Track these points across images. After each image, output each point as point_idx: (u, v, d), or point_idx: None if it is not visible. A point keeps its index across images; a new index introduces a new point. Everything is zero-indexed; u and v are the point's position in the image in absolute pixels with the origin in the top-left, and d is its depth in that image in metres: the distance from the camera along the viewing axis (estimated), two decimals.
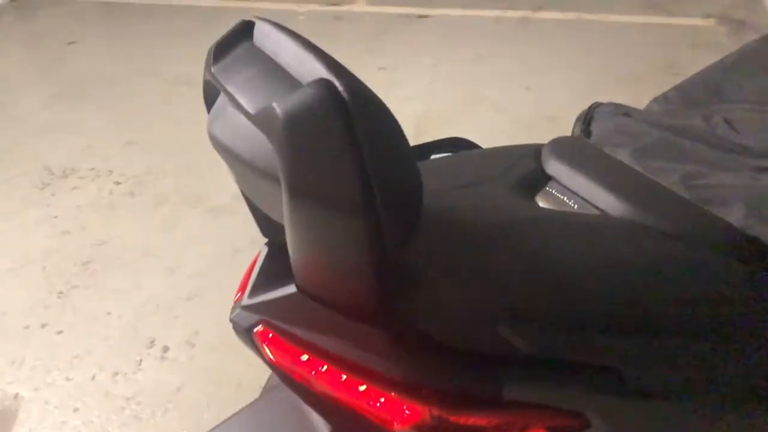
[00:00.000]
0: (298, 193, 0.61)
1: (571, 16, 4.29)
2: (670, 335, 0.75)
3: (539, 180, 0.99)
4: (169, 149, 3.23)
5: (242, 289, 0.85)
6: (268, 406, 0.92)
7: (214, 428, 0.94)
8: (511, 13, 4.41)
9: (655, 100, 1.38)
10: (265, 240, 0.88)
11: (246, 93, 0.66)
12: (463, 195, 0.82)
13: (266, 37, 0.72)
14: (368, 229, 0.61)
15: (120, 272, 2.47)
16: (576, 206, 0.93)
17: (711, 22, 4.10)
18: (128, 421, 1.91)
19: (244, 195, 0.83)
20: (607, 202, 0.91)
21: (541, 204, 0.95)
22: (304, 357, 0.75)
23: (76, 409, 1.95)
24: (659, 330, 0.75)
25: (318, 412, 0.81)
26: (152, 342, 2.16)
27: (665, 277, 0.79)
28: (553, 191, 0.97)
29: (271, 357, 0.79)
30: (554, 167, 1.00)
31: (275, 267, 0.82)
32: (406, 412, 0.73)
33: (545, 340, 0.72)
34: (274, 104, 0.59)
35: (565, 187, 0.97)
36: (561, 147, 1.05)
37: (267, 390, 0.95)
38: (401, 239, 0.65)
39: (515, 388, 0.72)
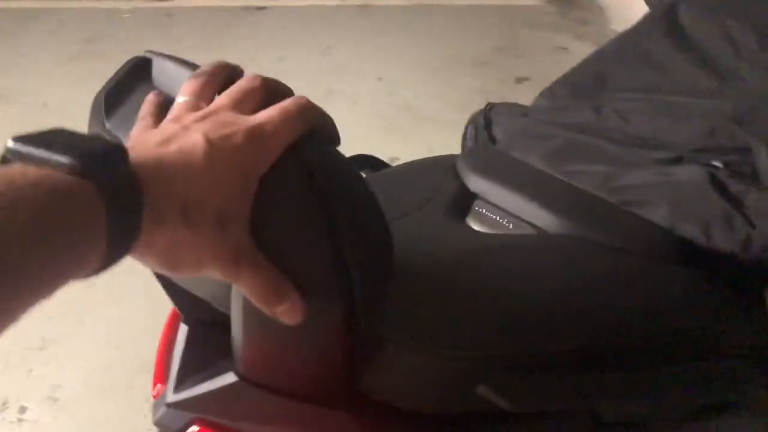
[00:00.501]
0: None
1: (411, 1, 4.30)
2: (642, 361, 0.71)
3: (465, 199, 0.92)
4: None
5: (160, 379, 0.70)
6: None
7: None
8: (350, 1, 4.34)
9: (542, 94, 1.36)
10: (180, 317, 0.74)
11: None
12: (402, 230, 0.72)
13: (167, 76, 0.57)
14: (343, 315, 0.51)
15: None
16: (511, 225, 0.87)
17: (540, 1, 4.27)
18: None
19: (160, 280, 0.68)
20: (542, 219, 0.86)
21: (475, 227, 0.88)
22: None
23: None
24: (633, 358, 0.70)
25: None
26: (5, 403, 1.89)
27: (628, 297, 0.75)
28: (484, 211, 0.90)
29: None
30: (477, 184, 0.93)
31: (201, 351, 0.68)
32: None
33: (525, 392, 0.65)
34: None
35: (493, 205, 0.90)
36: (477, 160, 0.99)
37: None
38: (374, 315, 0.54)
39: None
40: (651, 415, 0.72)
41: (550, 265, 0.78)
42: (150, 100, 0.55)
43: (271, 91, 0.52)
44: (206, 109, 0.49)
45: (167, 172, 0.43)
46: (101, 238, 0.39)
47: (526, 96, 1.46)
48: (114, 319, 2.14)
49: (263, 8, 4.29)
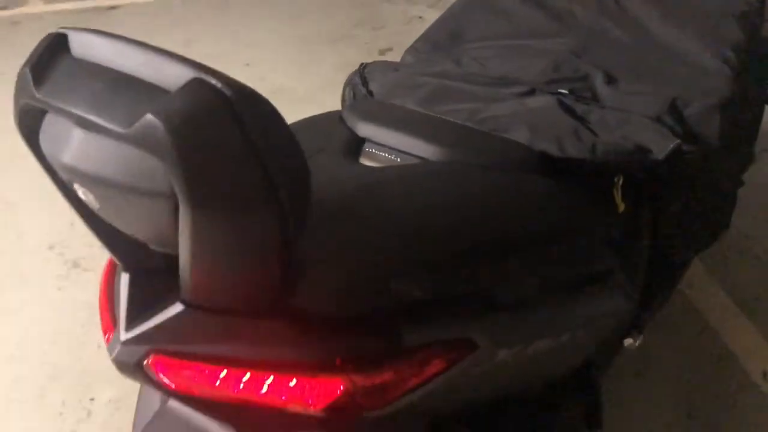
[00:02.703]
0: (199, 200, 0.57)
1: None
2: (520, 249, 0.85)
3: (356, 143, 1.03)
4: None
5: (109, 325, 0.77)
6: (155, 428, 0.85)
7: None
8: None
9: (407, 52, 1.49)
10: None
11: (101, 111, 0.58)
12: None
13: (90, 47, 0.64)
14: (275, 220, 0.60)
15: None
16: (399, 159, 0.99)
17: None
18: None
19: (95, 227, 0.73)
20: (424, 150, 0.99)
21: (369, 164, 1.00)
22: (205, 372, 0.71)
23: None
24: (512, 247, 0.85)
25: (227, 422, 0.78)
26: None
27: (503, 204, 0.89)
28: (373, 150, 1.01)
29: (170, 383, 0.73)
30: (365, 129, 1.05)
31: (144, 292, 0.75)
32: (321, 391, 0.73)
33: (428, 282, 0.77)
34: (150, 116, 0.54)
35: (381, 144, 1.02)
36: (362, 109, 1.10)
37: (146, 423, 0.87)
38: (299, 227, 0.64)
39: (413, 334, 0.76)
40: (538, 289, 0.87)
41: (435, 184, 0.91)
42: None
43: None
44: None
45: None
46: None
47: None
48: (13, 332, 2.09)
49: (115, 8, 4.18)
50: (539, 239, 0.88)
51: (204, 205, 0.58)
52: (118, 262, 0.77)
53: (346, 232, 0.77)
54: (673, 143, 1.05)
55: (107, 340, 0.78)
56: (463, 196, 0.89)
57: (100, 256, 2.30)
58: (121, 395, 1.86)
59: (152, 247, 0.71)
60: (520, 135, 1.07)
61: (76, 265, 2.30)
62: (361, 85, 1.29)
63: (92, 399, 1.87)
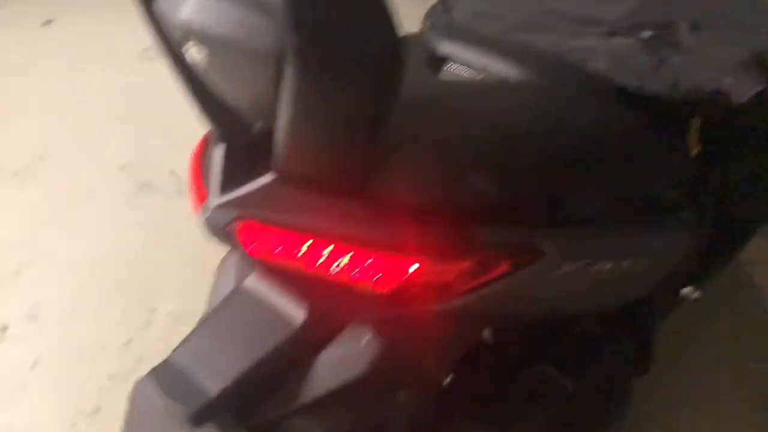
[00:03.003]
0: (305, 56, 0.60)
1: None
2: (593, 167, 0.87)
3: (437, 61, 1.05)
4: None
5: (201, 192, 0.81)
6: (231, 312, 0.90)
7: (182, 344, 0.90)
8: None
9: None
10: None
11: None
12: None
13: None
14: (373, 86, 0.63)
15: None
16: (479, 77, 1.01)
17: None
18: None
19: (198, 96, 0.78)
20: (505, 69, 1.00)
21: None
22: (288, 242, 0.75)
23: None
24: (586, 163, 0.86)
25: (300, 298, 0.83)
26: None
27: (580, 120, 0.90)
28: (454, 68, 1.03)
29: (253, 249, 0.77)
30: (447, 47, 1.06)
31: (237, 164, 0.79)
32: (393, 273, 0.77)
33: (504, 184, 0.79)
34: None
35: (462, 63, 1.03)
36: (444, 30, 1.12)
37: (222, 299, 0.92)
38: (390, 104, 0.67)
39: (485, 233, 0.79)
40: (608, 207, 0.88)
41: (516, 97, 0.93)
42: None
43: None
44: None
45: None
46: None
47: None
48: (82, 243, 2.20)
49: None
50: (613, 160, 0.89)
51: (309, 63, 0.61)
52: (214, 134, 0.81)
53: (428, 129, 0.79)
54: (756, 88, 1.03)
55: (199, 209, 0.83)
56: (543, 109, 0.90)
57: (167, 181, 2.39)
58: (181, 309, 1.95)
59: (249, 117, 0.75)
60: (601, 66, 1.07)
61: (144, 187, 2.39)
62: (443, 12, 1.30)
63: (153, 310, 1.96)
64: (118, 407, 1.32)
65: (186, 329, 1.82)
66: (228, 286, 0.95)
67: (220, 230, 0.79)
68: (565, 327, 1.03)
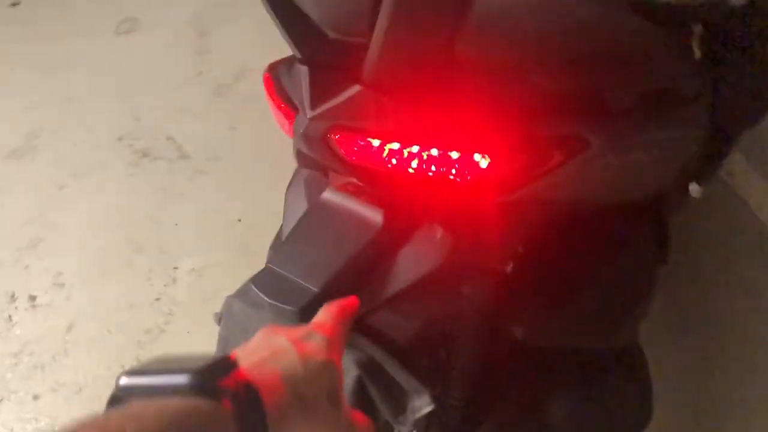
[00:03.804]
0: None
1: None
2: (625, 63, 0.96)
3: None
4: None
5: (288, 115, 0.89)
6: (314, 223, 0.98)
7: (274, 255, 0.98)
8: None
9: None
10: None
11: None
12: None
13: None
14: None
15: None
16: None
17: None
18: (28, 372, 1.78)
19: (285, 18, 0.85)
20: None
21: None
22: (377, 146, 0.84)
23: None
24: (617, 60, 0.96)
25: (375, 205, 0.92)
26: (13, 296, 1.99)
27: (606, 24, 0.99)
28: None
29: (351, 156, 0.86)
30: None
31: (323, 80, 0.87)
32: (472, 166, 0.86)
33: (562, 78, 0.89)
34: None
35: None
36: None
37: (302, 215, 1.01)
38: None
39: (547, 124, 0.87)
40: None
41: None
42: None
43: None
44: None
45: (272, 374, 0.51)
46: None
47: None
48: (93, 213, 2.24)
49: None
50: (639, 59, 0.99)
51: None
52: (298, 55, 0.89)
53: (498, 41, 0.87)
54: None
55: (289, 126, 0.91)
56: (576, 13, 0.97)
57: (167, 146, 2.44)
58: (202, 265, 2.03)
59: (334, 35, 0.84)
60: None
61: (145, 154, 2.44)
62: None
63: (176, 268, 2.03)
64: None
65: (210, 283, 1.92)
66: (300, 205, 1.03)
67: (317, 140, 0.88)
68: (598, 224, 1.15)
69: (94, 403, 1.71)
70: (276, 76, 1.00)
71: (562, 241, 1.09)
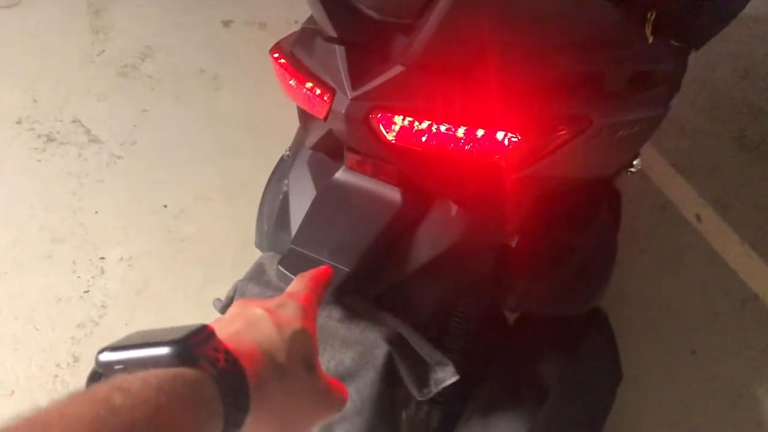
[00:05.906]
0: None
1: None
2: (609, 45, 1.04)
3: None
4: None
5: (326, 91, 0.88)
6: (331, 202, 0.98)
7: (296, 236, 0.97)
8: None
9: None
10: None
11: None
12: None
13: None
14: None
15: None
16: None
17: None
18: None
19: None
20: None
21: None
22: (416, 125, 0.86)
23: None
24: (605, 42, 1.02)
25: (391, 184, 0.94)
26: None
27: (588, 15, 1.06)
28: None
29: (392, 136, 0.87)
30: None
31: (361, 61, 0.87)
32: (496, 144, 0.90)
33: (576, 59, 0.94)
34: None
35: None
36: None
37: (317, 194, 1.00)
38: None
39: (559, 106, 0.93)
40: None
41: None
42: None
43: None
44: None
45: (249, 344, 0.52)
46: (217, 415, 0.44)
47: None
48: (7, 196, 2.07)
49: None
50: (619, 44, 1.07)
51: None
52: (334, 34, 0.88)
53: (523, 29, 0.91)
54: None
55: (322, 103, 0.89)
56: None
57: (73, 130, 2.29)
58: (130, 255, 1.93)
59: (377, 15, 0.84)
60: None
61: (51, 139, 2.28)
62: None
63: (102, 258, 1.93)
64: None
65: (141, 272, 1.84)
66: (306, 186, 1.03)
67: (359, 121, 0.87)
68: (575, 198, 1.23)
69: (28, 405, 1.59)
70: (290, 54, 0.99)
71: (548, 215, 1.17)
